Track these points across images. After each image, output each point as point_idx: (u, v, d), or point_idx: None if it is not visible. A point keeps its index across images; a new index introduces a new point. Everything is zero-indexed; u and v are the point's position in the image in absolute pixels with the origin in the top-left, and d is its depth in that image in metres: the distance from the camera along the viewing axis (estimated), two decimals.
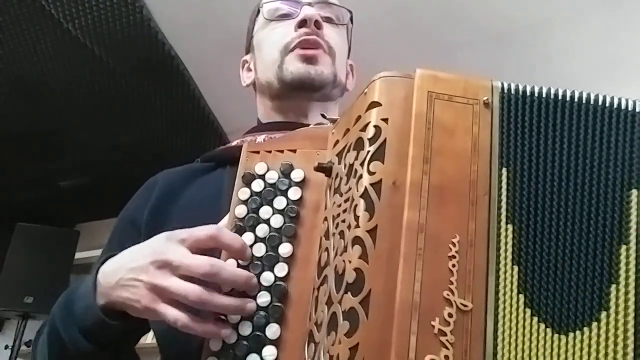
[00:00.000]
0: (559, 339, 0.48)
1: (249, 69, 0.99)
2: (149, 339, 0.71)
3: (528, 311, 0.48)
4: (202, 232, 0.58)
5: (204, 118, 2.79)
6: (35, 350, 0.72)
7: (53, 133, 2.87)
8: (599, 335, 0.48)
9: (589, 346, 0.48)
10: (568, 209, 0.51)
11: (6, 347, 2.98)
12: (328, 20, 0.93)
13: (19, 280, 2.94)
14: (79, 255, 3.11)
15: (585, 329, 0.48)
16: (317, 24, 0.88)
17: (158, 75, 2.50)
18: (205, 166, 0.87)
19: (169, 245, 0.57)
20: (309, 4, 0.90)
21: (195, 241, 0.57)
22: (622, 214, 0.51)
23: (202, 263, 0.55)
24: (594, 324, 0.48)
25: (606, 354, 0.47)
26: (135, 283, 0.57)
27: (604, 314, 0.49)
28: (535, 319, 0.48)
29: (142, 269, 0.57)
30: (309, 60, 0.86)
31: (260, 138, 0.83)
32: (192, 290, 0.54)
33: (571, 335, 0.48)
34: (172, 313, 0.55)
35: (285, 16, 0.91)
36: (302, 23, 0.88)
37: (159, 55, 2.37)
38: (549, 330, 0.48)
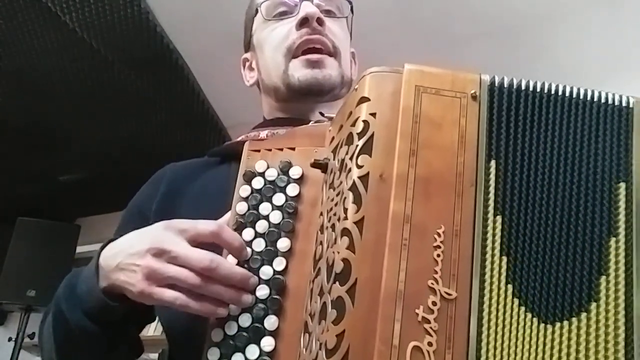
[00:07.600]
0: (545, 329, 0.48)
1: (251, 68, 0.97)
2: (150, 331, 0.73)
3: (516, 301, 0.49)
4: (205, 226, 0.59)
5: (203, 112, 2.75)
6: (41, 334, 0.74)
7: (52, 127, 2.85)
8: (588, 326, 0.49)
9: (578, 336, 0.48)
10: (558, 201, 0.51)
11: (9, 339, 3.03)
12: (329, 13, 0.90)
13: (21, 274, 2.97)
14: (80, 249, 3.12)
15: (574, 320, 0.49)
16: (319, 21, 0.85)
17: (157, 69, 2.46)
18: (211, 161, 0.88)
19: (166, 234, 0.59)
20: None
21: (197, 234, 0.59)
22: (610, 207, 0.51)
23: (202, 257, 0.56)
24: (583, 314, 0.49)
25: (597, 344, 0.48)
26: (133, 267, 0.58)
27: (593, 305, 0.49)
28: (523, 308, 0.49)
29: (139, 255, 0.58)
30: (315, 64, 0.85)
31: (263, 134, 0.83)
32: (191, 274, 0.56)
33: (558, 325, 0.48)
34: (169, 294, 0.56)
35: (285, 14, 0.89)
36: (304, 21, 0.85)
37: (157, 48, 2.32)
38: (534, 319, 0.48)
